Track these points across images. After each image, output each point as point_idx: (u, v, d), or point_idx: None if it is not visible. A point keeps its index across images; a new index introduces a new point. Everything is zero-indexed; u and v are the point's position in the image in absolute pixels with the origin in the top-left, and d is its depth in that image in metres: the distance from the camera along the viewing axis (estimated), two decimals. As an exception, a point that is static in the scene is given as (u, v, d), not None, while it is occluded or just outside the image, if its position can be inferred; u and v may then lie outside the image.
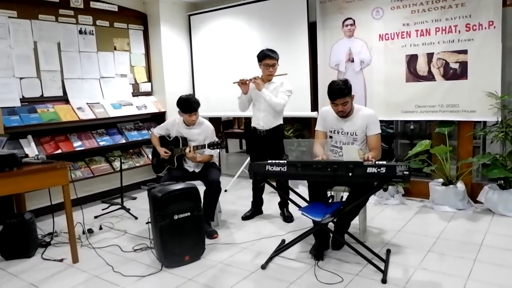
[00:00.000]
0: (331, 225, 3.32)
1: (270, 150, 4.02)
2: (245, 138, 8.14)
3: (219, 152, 4.61)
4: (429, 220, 3.97)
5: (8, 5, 4.41)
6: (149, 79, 5.78)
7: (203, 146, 3.78)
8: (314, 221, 3.08)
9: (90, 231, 3.98)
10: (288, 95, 3.97)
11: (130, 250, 3.53)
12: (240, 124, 8.76)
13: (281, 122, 4.08)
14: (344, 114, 3.29)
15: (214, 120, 6.16)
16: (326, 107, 3.53)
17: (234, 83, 4.06)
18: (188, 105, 3.84)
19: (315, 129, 3.53)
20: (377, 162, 2.84)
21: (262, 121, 4.02)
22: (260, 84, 3.91)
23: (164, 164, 4.09)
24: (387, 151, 5.65)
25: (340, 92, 3.17)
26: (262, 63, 3.95)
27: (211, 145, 3.72)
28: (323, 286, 2.77)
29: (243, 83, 3.98)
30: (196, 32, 5.91)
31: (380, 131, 3.33)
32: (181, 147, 3.93)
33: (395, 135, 5.68)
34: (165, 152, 4.00)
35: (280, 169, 2.95)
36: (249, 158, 5.21)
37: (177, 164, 3.99)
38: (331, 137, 3.44)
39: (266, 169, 2.98)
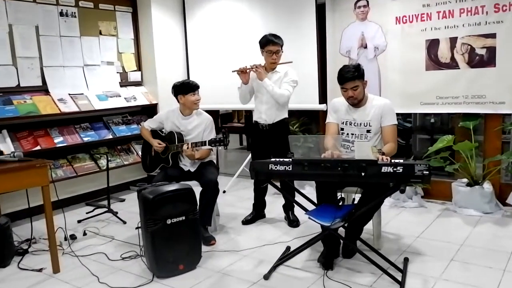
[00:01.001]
0: (341, 231, 3.30)
1: (273, 147, 4.02)
2: (246, 133, 8.14)
3: (217, 148, 4.59)
4: (452, 225, 3.96)
5: (-20, -16, 4.39)
6: (139, 68, 5.77)
7: (203, 143, 3.77)
8: (322, 226, 3.06)
9: (73, 237, 3.97)
10: (293, 85, 3.97)
11: (118, 258, 3.52)
12: (240, 118, 8.76)
13: (286, 115, 4.08)
14: (355, 101, 3.32)
15: (212, 113, 6.06)
16: (336, 98, 3.54)
17: (233, 72, 4.05)
18: (188, 84, 3.92)
19: (326, 122, 3.55)
20: (393, 161, 2.82)
21: (265, 115, 4.02)
22: (261, 73, 3.90)
23: (157, 162, 4.08)
24: (404, 147, 5.64)
25: (350, 74, 3.23)
26: (264, 49, 3.94)
27: (213, 142, 3.70)
28: (333, 298, 2.76)
29: (242, 72, 3.98)
30: (191, 15, 5.89)
31: (396, 122, 3.36)
32: (176, 143, 3.92)
33: (413, 130, 5.68)
34: (159, 144, 4.00)
35: (285, 168, 2.94)
36: (250, 156, 5.21)
37: (172, 162, 3.99)
38: (342, 129, 3.45)
39: (269, 168, 2.97)
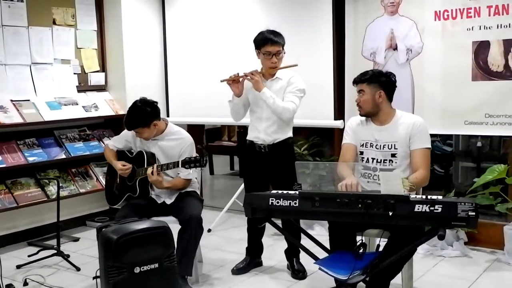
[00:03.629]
0: (361, 286, 3.29)
1: (273, 175, 4.03)
2: (239, 154, 8.14)
3: (201, 174, 4.59)
4: (505, 280, 3.95)
5: None
6: (103, 68, 5.80)
7: (175, 164, 3.79)
8: (337, 280, 3.06)
9: (10, 287, 3.92)
10: (300, 96, 3.99)
11: (69, 317, 3.50)
12: (231, 135, 8.78)
13: (290, 134, 4.11)
14: (361, 111, 3.47)
15: (195, 129, 6.16)
16: (355, 117, 3.62)
17: (222, 81, 4.08)
18: (127, 114, 3.92)
19: (342, 143, 3.59)
20: (429, 197, 2.84)
21: (264, 133, 4.04)
22: (259, 82, 3.91)
23: (122, 191, 4.09)
24: (442, 178, 5.66)
25: (361, 75, 3.40)
26: (261, 50, 3.98)
27: (186, 163, 3.73)
28: None
29: (234, 81, 4.00)
30: (171, 2, 5.94)
31: (429, 146, 3.40)
32: (145, 166, 3.94)
33: (455, 156, 5.70)
34: (123, 166, 4.03)
35: (290, 203, 2.96)
36: (243, 185, 5.21)
37: (140, 191, 4.00)
38: (361, 153, 3.49)
39: (270, 203, 2.99)
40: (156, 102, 4.01)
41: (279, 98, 3.94)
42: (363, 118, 3.52)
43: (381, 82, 3.41)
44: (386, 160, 3.41)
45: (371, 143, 3.46)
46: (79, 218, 5.60)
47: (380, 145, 3.43)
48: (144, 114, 3.88)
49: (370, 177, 3.44)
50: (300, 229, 3.75)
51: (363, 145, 3.50)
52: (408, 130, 3.39)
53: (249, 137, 4.15)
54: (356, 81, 3.48)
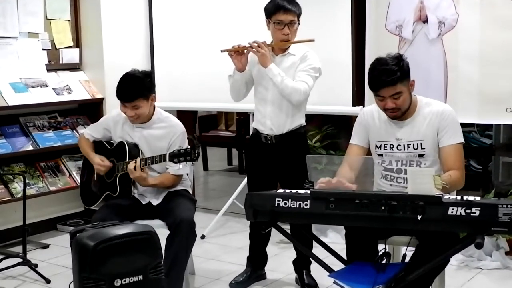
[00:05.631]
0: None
1: (282, 171, 4.05)
2: (238, 147, 8.15)
3: (193, 170, 4.60)
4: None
5: None
6: (77, 44, 5.82)
7: (162, 158, 3.80)
8: (355, 296, 3.07)
9: (-31, 302, 3.96)
10: (314, 76, 4.00)
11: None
12: (229, 123, 8.78)
13: (302, 122, 4.13)
14: (398, 113, 3.34)
15: (186, 116, 6.18)
16: (369, 107, 3.57)
17: (222, 51, 4.08)
18: (123, 84, 3.91)
19: (350, 142, 3.57)
20: (465, 198, 2.83)
21: (270, 120, 4.05)
22: (265, 56, 3.92)
23: (101, 189, 4.11)
24: (480, 175, 5.67)
25: (388, 76, 3.21)
26: (272, 19, 3.98)
27: (174, 157, 3.73)
28: None
29: (237, 53, 4.01)
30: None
31: (462, 140, 3.36)
32: (127, 159, 3.95)
33: (495, 149, 5.71)
34: (101, 161, 4.04)
35: (300, 204, 2.94)
36: (244, 183, 5.23)
37: (120, 189, 4.01)
38: (380, 155, 3.46)
39: (276, 205, 2.97)
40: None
41: (289, 77, 3.94)
42: (379, 110, 3.42)
43: (408, 70, 3.29)
44: (413, 162, 3.34)
45: (391, 145, 3.41)
46: (49, 221, 5.63)
47: (404, 145, 3.38)
48: (143, 83, 3.91)
49: (394, 180, 3.42)
50: (312, 235, 3.75)
51: (380, 146, 3.45)
52: (436, 122, 3.33)
53: (254, 124, 4.18)
54: (386, 84, 3.21)
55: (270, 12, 3.97)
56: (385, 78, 3.21)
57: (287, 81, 3.90)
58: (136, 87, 3.87)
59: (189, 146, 3.80)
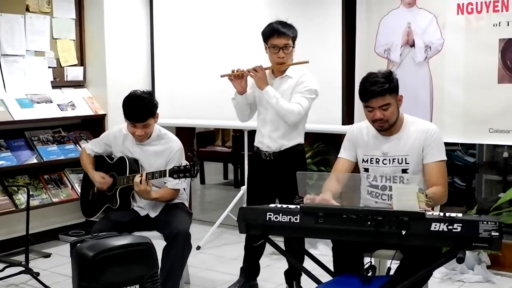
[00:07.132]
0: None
1: (280, 187, 4.06)
2: (234, 162, 8.12)
3: (190, 183, 4.62)
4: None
5: None
6: (81, 62, 5.83)
7: (162, 174, 3.82)
8: (342, 306, 3.10)
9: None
10: (310, 97, 4.03)
11: None
12: (225, 139, 8.78)
13: (300, 141, 4.17)
14: (386, 125, 3.36)
15: (185, 132, 6.20)
16: (358, 124, 3.62)
17: (222, 76, 4.13)
18: (133, 106, 3.90)
19: (338, 156, 3.61)
20: (448, 214, 2.86)
21: (268, 138, 4.10)
22: (262, 79, 3.95)
23: (100, 201, 4.15)
24: (464, 192, 5.70)
25: (378, 86, 3.26)
26: (268, 44, 4.02)
27: (175, 172, 3.76)
28: None
29: (237, 76, 4.05)
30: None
31: (445, 157, 3.39)
32: (127, 174, 3.99)
33: (478, 167, 5.75)
34: (103, 178, 4.08)
35: (290, 219, 2.98)
36: (239, 196, 5.32)
37: (120, 202, 4.03)
38: (366, 170, 3.50)
39: (267, 219, 3.01)
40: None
41: (286, 99, 3.98)
42: (370, 126, 3.46)
43: (397, 85, 3.34)
44: (396, 177, 3.38)
45: (377, 159, 3.44)
46: (51, 231, 5.61)
47: (389, 159, 3.40)
48: (152, 102, 3.95)
49: (379, 197, 3.44)
50: (302, 249, 3.74)
51: (367, 160, 3.47)
52: (421, 139, 3.36)
53: (255, 142, 4.20)
54: (376, 93, 3.25)
55: (266, 36, 4.00)
56: (375, 88, 3.25)
57: (282, 102, 3.93)
58: (146, 107, 3.89)
59: (187, 163, 3.83)
